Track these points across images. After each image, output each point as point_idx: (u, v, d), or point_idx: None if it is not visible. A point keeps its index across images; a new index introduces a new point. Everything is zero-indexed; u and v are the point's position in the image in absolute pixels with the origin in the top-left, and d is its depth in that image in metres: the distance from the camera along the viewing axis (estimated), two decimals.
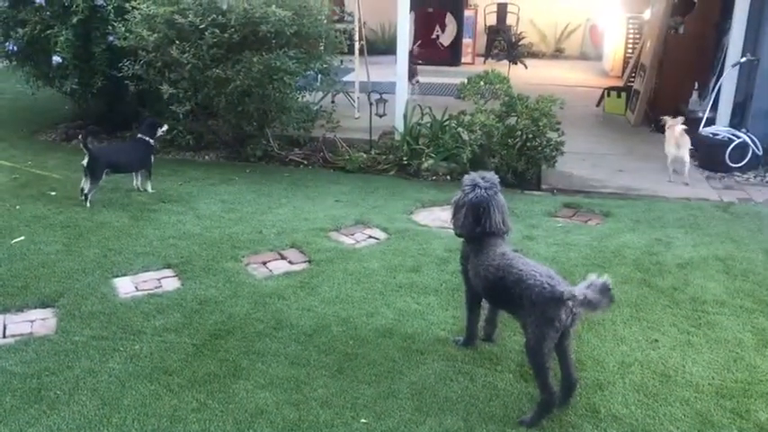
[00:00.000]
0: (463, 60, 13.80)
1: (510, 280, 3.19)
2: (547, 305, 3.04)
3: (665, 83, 8.98)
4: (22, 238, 5.03)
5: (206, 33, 6.49)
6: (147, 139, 6.16)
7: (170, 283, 4.44)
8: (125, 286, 4.38)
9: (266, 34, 6.61)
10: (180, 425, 3.10)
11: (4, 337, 3.77)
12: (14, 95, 9.76)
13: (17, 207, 5.63)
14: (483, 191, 3.41)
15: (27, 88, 8.18)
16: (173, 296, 4.25)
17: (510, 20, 14.62)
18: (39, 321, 3.93)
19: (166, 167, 6.95)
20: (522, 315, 3.19)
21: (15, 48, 7.48)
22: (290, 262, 4.80)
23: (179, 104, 6.76)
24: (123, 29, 6.81)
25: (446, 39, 13.64)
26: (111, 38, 7.08)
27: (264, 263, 4.77)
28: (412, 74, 8.43)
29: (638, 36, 11.27)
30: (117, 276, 4.49)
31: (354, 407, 3.25)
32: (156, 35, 6.64)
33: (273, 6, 6.59)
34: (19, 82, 8.38)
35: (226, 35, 6.49)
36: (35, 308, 4.07)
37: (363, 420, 3.16)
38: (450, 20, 13.53)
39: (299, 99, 7.53)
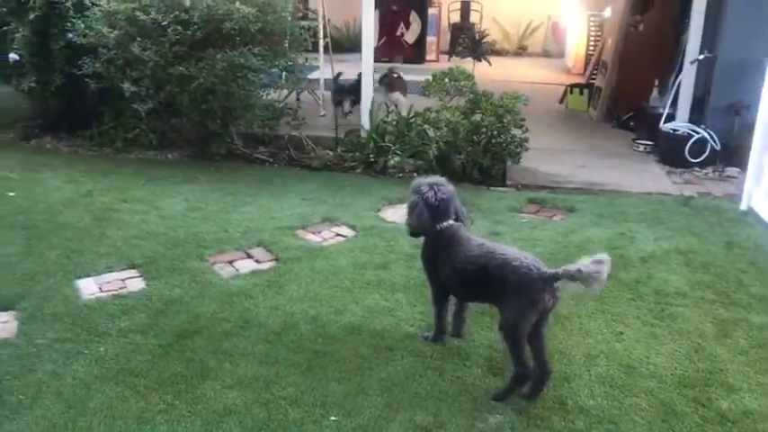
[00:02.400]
0: (428, 58, 13.84)
1: (493, 265, 3.24)
2: (532, 286, 3.11)
3: (626, 80, 9.13)
4: None
5: (168, 30, 6.41)
6: None
7: (135, 283, 4.38)
8: (89, 287, 4.30)
9: (230, 31, 6.55)
10: (147, 426, 3.06)
11: None
12: None
13: None
14: (442, 188, 3.47)
15: None
16: (138, 297, 4.19)
17: (473, 17, 14.72)
18: (1, 324, 3.84)
19: (129, 166, 6.85)
20: (503, 299, 3.23)
21: None
22: (257, 261, 4.76)
23: (141, 103, 6.66)
24: (83, 26, 6.68)
25: (410, 36, 13.67)
26: (70, 35, 6.94)
27: (231, 262, 4.73)
28: (391, 86, 8.22)
29: (599, 33, 11.44)
30: (80, 278, 4.41)
31: (324, 404, 3.24)
32: (116, 32, 6.54)
33: (237, 3, 6.53)
34: None
35: (189, 32, 6.42)
36: None
37: (333, 418, 3.15)
38: (414, 18, 13.56)
39: (264, 97, 7.47)
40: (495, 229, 5.38)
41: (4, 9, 7.06)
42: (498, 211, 5.83)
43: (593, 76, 10.29)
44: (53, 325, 3.84)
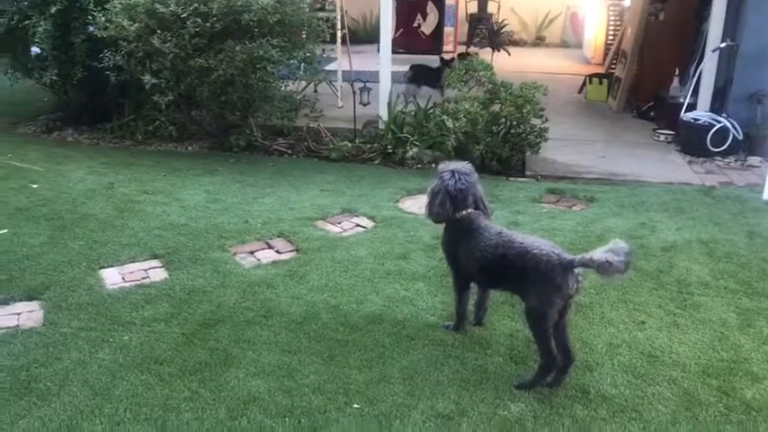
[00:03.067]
0: (445, 49, 13.77)
1: (512, 254, 3.24)
2: (555, 272, 3.12)
3: (646, 69, 9.05)
4: (5, 230, 4.98)
5: (188, 23, 6.43)
6: None
7: (157, 273, 4.42)
8: (112, 277, 4.35)
9: (249, 23, 6.56)
10: (172, 414, 3.10)
11: None
12: None
13: None
14: (464, 177, 3.46)
15: (6, 80, 8.06)
16: (160, 286, 4.23)
17: (491, 8, 14.62)
18: (25, 314, 3.90)
19: (149, 159, 6.90)
20: (526, 287, 3.23)
21: None
22: (278, 251, 4.79)
23: (161, 95, 6.70)
24: (103, 19, 6.73)
25: (427, 27, 13.60)
26: (90, 28, 7.00)
27: (252, 252, 4.76)
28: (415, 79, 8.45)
29: (618, 23, 11.33)
30: (103, 268, 4.46)
31: (347, 392, 3.26)
32: (136, 25, 6.58)
33: None
34: None
35: (208, 24, 6.44)
36: (21, 300, 4.03)
37: (356, 405, 3.17)
38: (431, 8, 13.49)
39: (283, 88, 7.49)
40: (515, 219, 5.37)
41: (26, 3, 7.12)
42: (518, 202, 5.81)
43: (613, 66, 10.20)
44: (78, 314, 3.89)
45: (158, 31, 6.53)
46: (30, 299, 4.06)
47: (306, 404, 3.17)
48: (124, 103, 7.66)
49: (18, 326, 3.78)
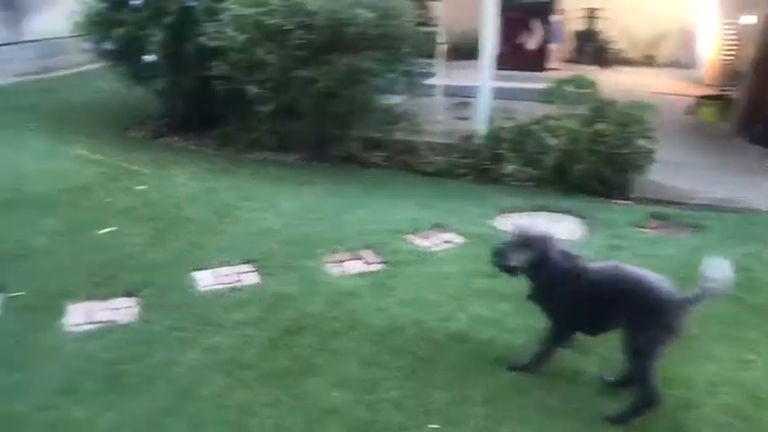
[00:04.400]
0: (550, 66, 13.51)
1: (622, 289, 3.11)
2: (669, 311, 2.98)
3: (765, 90, 8.52)
4: (113, 228, 5.21)
5: (292, 35, 6.58)
6: None
7: (249, 278, 4.51)
8: (206, 279, 4.46)
9: (352, 36, 6.64)
10: (254, 418, 3.13)
11: (90, 323, 3.90)
12: (109, 94, 10.16)
13: (107, 200, 5.84)
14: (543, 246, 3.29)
15: (121, 88, 8.50)
16: (251, 291, 4.31)
17: (599, 25, 14.24)
18: (123, 310, 4.05)
19: (249, 167, 7.09)
20: (633, 324, 3.08)
21: (112, 47, 7.80)
22: (366, 262, 4.78)
23: (263, 104, 6.88)
24: (213, 29, 6.99)
25: (532, 43, 13.39)
26: (200, 38, 7.28)
27: (341, 262, 4.78)
28: None
29: (735, 42, 10.76)
30: (198, 270, 4.59)
31: (427, 411, 3.19)
32: (244, 36, 6.78)
33: (360, 8, 6.62)
34: (113, 81, 8.71)
35: (312, 36, 6.56)
36: (120, 296, 4.20)
37: (435, 426, 3.10)
38: (536, 25, 13.28)
39: (382, 101, 7.53)
40: (615, 244, 5.14)
41: (144, 14, 7.50)
42: (618, 225, 5.58)
43: (727, 87, 9.67)
44: (171, 313, 4.01)
45: (264, 43, 6.71)
46: (128, 295, 4.21)
47: (386, 419, 3.13)
48: (228, 112, 7.91)
49: (115, 321, 3.93)
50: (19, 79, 10.54)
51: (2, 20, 10.53)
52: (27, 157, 6.89)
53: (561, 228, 5.48)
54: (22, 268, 4.50)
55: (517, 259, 3.29)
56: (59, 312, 3.96)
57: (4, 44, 10.51)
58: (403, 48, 7.41)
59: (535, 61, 13.36)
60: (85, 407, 3.18)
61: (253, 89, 6.80)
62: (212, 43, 6.97)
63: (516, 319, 4.02)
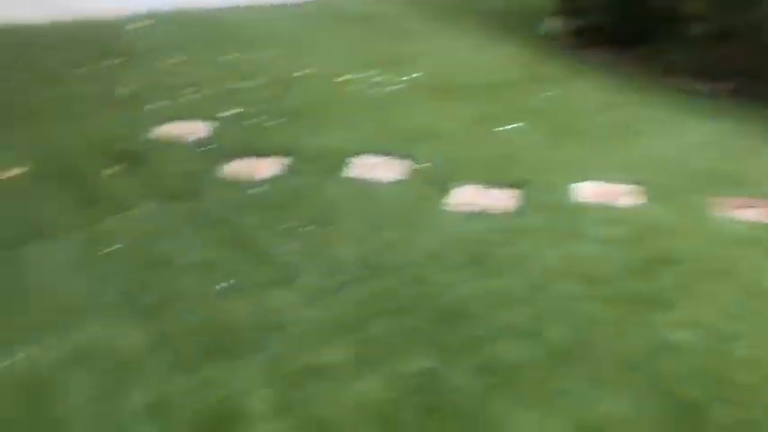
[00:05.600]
0: None
1: None
2: None
3: None
4: (517, 125, 5.54)
5: None
6: None
7: (628, 199, 4.40)
8: (586, 190, 4.48)
9: None
10: (598, 328, 3.15)
11: (471, 204, 4.27)
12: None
13: (519, 98, 6.24)
14: None
15: None
16: (627, 212, 4.23)
17: None
18: (503, 200, 4.34)
19: (663, 91, 6.68)
20: None
21: None
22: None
23: (694, 25, 6.34)
24: None
25: None
26: None
27: (736, 207, 4.31)
28: None
29: None
30: (581, 180, 4.61)
31: None
32: None
33: None
34: None
35: None
36: (504, 187, 4.47)
37: None
38: None
39: None
40: None
41: None
42: None
43: None
44: (544, 213, 4.17)
45: None
46: (511, 187, 4.46)
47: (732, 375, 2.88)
48: (658, 30, 7.47)
49: (493, 207, 4.23)
50: None
51: None
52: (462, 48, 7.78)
53: None
54: (432, 145, 5.09)
55: None
56: (447, 190, 4.42)
57: None
58: None
59: None
60: (449, 274, 3.55)
61: (685, 7, 6.28)
62: None
63: None
